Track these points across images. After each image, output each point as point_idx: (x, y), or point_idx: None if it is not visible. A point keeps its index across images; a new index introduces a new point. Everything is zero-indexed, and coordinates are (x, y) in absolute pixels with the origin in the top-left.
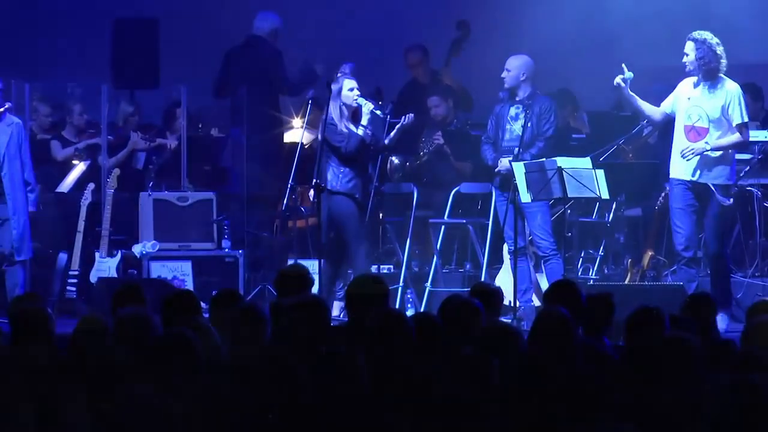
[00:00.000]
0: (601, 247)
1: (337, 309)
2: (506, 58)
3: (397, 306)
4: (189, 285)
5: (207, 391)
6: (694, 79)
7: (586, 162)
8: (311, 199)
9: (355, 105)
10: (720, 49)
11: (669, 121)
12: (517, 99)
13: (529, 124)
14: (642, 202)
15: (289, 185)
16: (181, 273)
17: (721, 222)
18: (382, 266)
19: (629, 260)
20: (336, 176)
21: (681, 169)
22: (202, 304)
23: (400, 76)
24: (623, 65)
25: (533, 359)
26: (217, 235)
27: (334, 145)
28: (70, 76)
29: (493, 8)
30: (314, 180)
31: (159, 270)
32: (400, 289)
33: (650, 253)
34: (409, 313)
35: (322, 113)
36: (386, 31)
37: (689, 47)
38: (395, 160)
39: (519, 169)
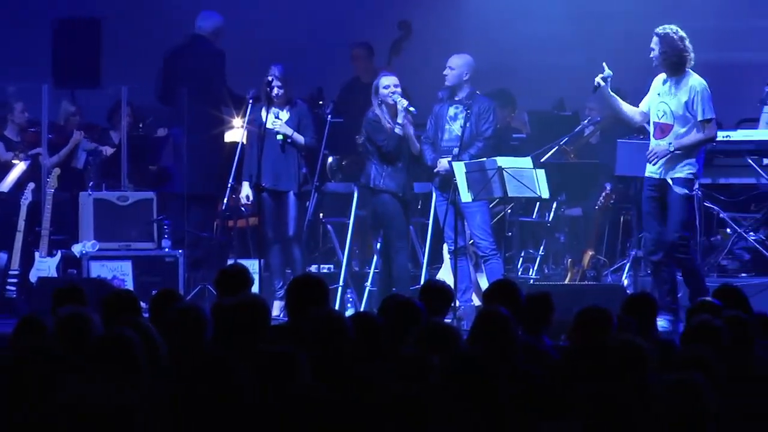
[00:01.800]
0: (542, 247)
1: (277, 309)
2: (446, 58)
3: (337, 306)
4: (129, 285)
5: (147, 391)
6: (665, 75)
7: (526, 162)
8: (248, 199)
9: (391, 102)
10: (685, 43)
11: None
12: (456, 99)
13: (468, 124)
14: (582, 202)
15: (229, 185)
16: (120, 273)
17: (679, 213)
18: (322, 266)
19: (569, 260)
20: (379, 174)
21: (648, 167)
22: (142, 304)
23: (342, 76)
24: (603, 64)
25: (473, 359)
26: (157, 234)
27: (378, 144)
28: (10, 76)
29: (434, 8)
30: (251, 179)
31: (99, 270)
32: (340, 289)
33: (590, 253)
34: (349, 312)
35: (260, 112)
36: (328, 32)
37: (654, 42)
38: (330, 159)
39: (459, 169)
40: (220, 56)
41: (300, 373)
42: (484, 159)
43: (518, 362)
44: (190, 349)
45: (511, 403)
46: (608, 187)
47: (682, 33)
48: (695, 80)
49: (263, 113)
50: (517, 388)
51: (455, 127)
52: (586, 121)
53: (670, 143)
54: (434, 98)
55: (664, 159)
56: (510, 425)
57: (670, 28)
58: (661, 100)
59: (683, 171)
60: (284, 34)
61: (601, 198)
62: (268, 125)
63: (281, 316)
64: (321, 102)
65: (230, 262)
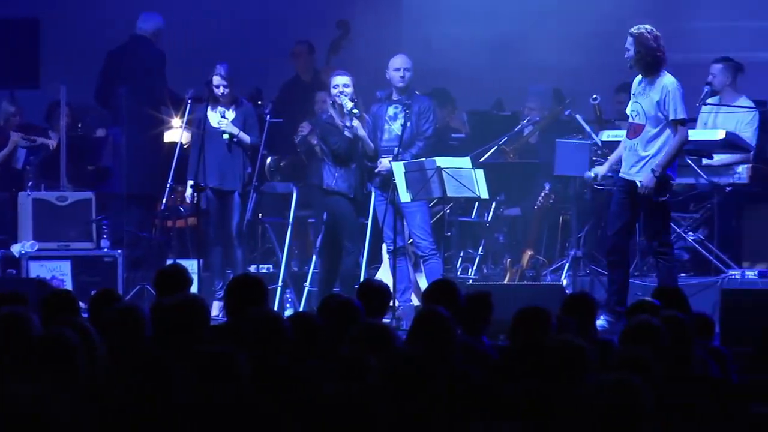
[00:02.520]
0: (481, 247)
1: (216, 309)
2: (384, 58)
3: (276, 306)
4: (68, 285)
5: (85, 391)
6: (641, 76)
7: (465, 162)
8: (189, 199)
9: (339, 102)
10: (659, 43)
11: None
12: (395, 99)
13: (408, 124)
14: (521, 202)
15: (168, 185)
16: (60, 273)
17: (652, 220)
18: (261, 266)
19: (508, 260)
20: (331, 176)
21: (622, 167)
22: (81, 304)
23: (280, 76)
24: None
25: (412, 359)
26: (96, 234)
27: (331, 146)
28: None
29: (372, 9)
30: (191, 180)
31: (38, 270)
32: (279, 288)
33: (529, 253)
34: (289, 312)
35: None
36: (267, 32)
37: (628, 42)
38: (269, 159)
39: (398, 169)
40: (161, 57)
41: (238, 374)
42: (423, 159)
43: (457, 362)
44: (129, 349)
45: (449, 403)
46: (547, 187)
47: (656, 32)
48: (667, 80)
49: (209, 112)
50: (456, 388)
51: (395, 127)
52: (525, 121)
53: (653, 169)
54: (373, 98)
55: (633, 156)
56: (447, 425)
57: (645, 28)
58: (635, 101)
59: (647, 174)
60: (222, 34)
61: (540, 198)
62: (214, 124)
63: (220, 316)
64: (260, 102)
65: (169, 262)
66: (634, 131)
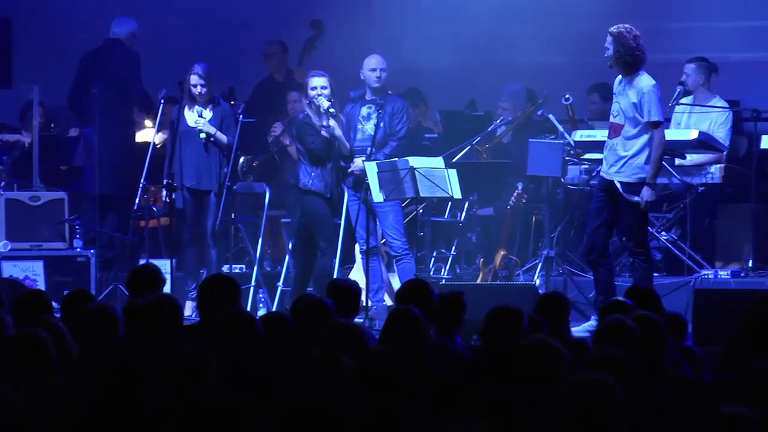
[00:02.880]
0: (454, 247)
1: (189, 309)
2: (358, 58)
3: (249, 306)
4: (41, 285)
5: (59, 391)
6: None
7: (438, 162)
8: (164, 198)
9: (317, 103)
10: (639, 42)
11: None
12: (368, 99)
13: (381, 124)
14: (494, 202)
15: (141, 185)
16: (32, 273)
17: (628, 220)
18: (233, 266)
19: (481, 260)
20: (308, 175)
21: (603, 166)
22: (54, 304)
23: (254, 76)
24: None
25: (385, 358)
26: (69, 234)
27: (307, 146)
28: None
29: (345, 9)
30: (172, 178)
31: (11, 270)
32: (252, 288)
33: (502, 253)
34: (261, 313)
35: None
36: (240, 32)
37: (607, 41)
38: (242, 159)
39: (371, 169)
40: (136, 59)
41: (208, 374)
42: (396, 159)
43: (430, 362)
44: (102, 348)
45: (422, 403)
46: (520, 187)
47: (636, 32)
48: (645, 81)
49: (186, 112)
50: (429, 388)
51: (368, 127)
52: (498, 121)
53: (647, 183)
54: (346, 98)
55: (612, 155)
56: (420, 425)
57: (624, 27)
58: (615, 100)
59: (632, 176)
60: (196, 34)
61: (512, 198)
62: (191, 124)
63: (194, 316)
64: (233, 102)
65: (142, 262)
66: (614, 131)
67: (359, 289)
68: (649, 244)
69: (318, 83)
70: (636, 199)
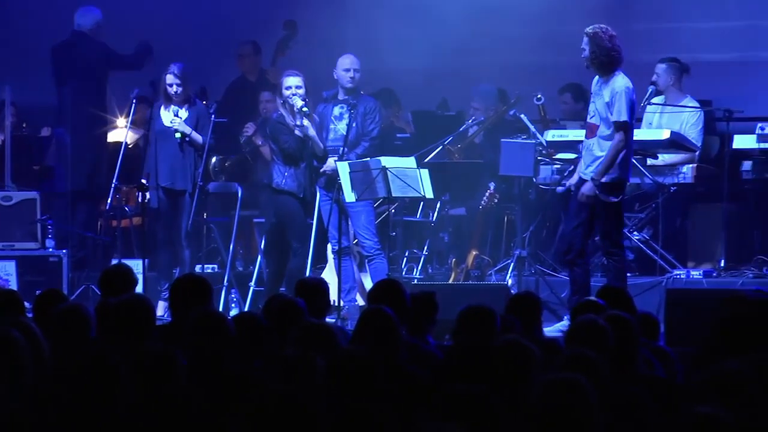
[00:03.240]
0: (426, 247)
1: (161, 309)
2: (331, 58)
3: (221, 306)
4: (13, 285)
5: (30, 391)
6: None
7: (410, 161)
8: (137, 199)
9: (291, 102)
10: (614, 43)
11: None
12: (341, 98)
13: (354, 124)
14: (466, 202)
15: (113, 185)
16: (5, 273)
17: (603, 221)
18: (205, 266)
19: (453, 260)
20: (281, 175)
21: (580, 167)
22: (27, 304)
23: (226, 75)
24: None
25: (357, 359)
26: (41, 234)
27: (281, 145)
28: None
29: (318, 9)
30: (148, 178)
31: None
32: (224, 289)
33: (474, 253)
34: (234, 313)
35: (146, 112)
36: (212, 31)
37: (584, 42)
38: (214, 159)
39: (343, 169)
40: (104, 50)
41: (175, 374)
42: (368, 159)
43: (402, 362)
44: (74, 349)
45: (394, 402)
46: (492, 187)
47: (611, 32)
48: (619, 82)
49: (162, 111)
50: (401, 388)
51: (340, 127)
52: (470, 121)
53: (592, 177)
54: (319, 98)
55: (589, 155)
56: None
57: (600, 28)
58: (591, 100)
59: (607, 177)
60: (168, 34)
61: (485, 198)
62: (167, 123)
63: (166, 316)
64: (205, 102)
65: (114, 262)
66: (591, 131)
67: (327, 286)
68: (623, 244)
69: (293, 83)
70: (613, 199)
